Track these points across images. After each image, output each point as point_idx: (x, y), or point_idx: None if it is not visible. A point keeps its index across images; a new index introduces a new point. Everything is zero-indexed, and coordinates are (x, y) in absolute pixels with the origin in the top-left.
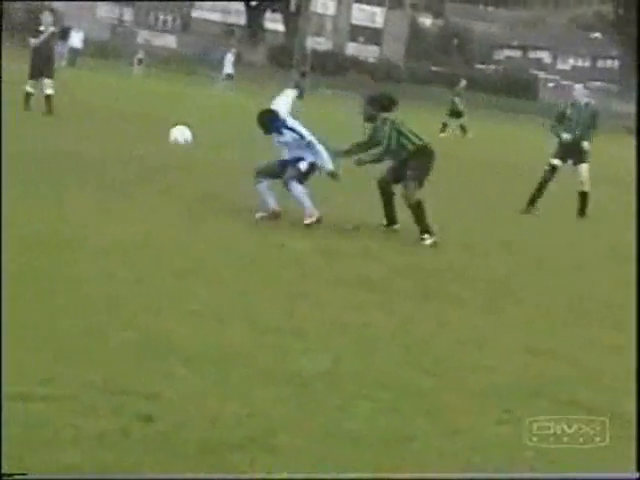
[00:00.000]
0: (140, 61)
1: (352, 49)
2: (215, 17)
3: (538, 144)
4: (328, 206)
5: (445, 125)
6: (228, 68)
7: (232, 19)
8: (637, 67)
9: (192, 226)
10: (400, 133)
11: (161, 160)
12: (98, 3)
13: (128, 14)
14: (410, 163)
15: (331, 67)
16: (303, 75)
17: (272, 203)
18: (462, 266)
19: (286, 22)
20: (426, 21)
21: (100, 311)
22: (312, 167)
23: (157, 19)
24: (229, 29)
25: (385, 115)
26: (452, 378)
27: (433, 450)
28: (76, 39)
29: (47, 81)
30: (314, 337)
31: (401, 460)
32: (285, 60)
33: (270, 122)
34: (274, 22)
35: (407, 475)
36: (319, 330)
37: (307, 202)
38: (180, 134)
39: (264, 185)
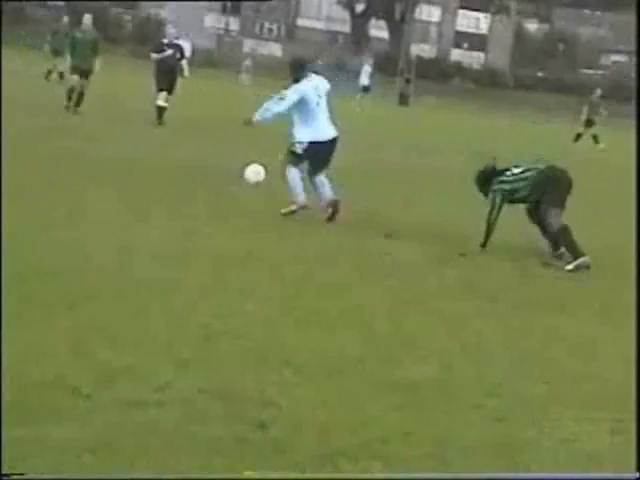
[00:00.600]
0: (247, 69)
1: (456, 55)
2: (320, 25)
3: None
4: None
5: (579, 135)
6: (364, 80)
7: (337, 27)
8: (637, 67)
9: (300, 236)
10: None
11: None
12: (206, 13)
13: (234, 23)
14: (541, 189)
15: (435, 74)
16: (407, 82)
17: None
18: (569, 276)
19: (391, 29)
20: (531, 26)
21: (215, 319)
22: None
23: (262, 28)
24: (334, 37)
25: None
26: (563, 387)
27: (544, 458)
28: (185, 48)
29: (166, 95)
30: (424, 345)
31: (512, 467)
32: (389, 67)
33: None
34: (378, 29)
35: (408, 475)
36: (429, 338)
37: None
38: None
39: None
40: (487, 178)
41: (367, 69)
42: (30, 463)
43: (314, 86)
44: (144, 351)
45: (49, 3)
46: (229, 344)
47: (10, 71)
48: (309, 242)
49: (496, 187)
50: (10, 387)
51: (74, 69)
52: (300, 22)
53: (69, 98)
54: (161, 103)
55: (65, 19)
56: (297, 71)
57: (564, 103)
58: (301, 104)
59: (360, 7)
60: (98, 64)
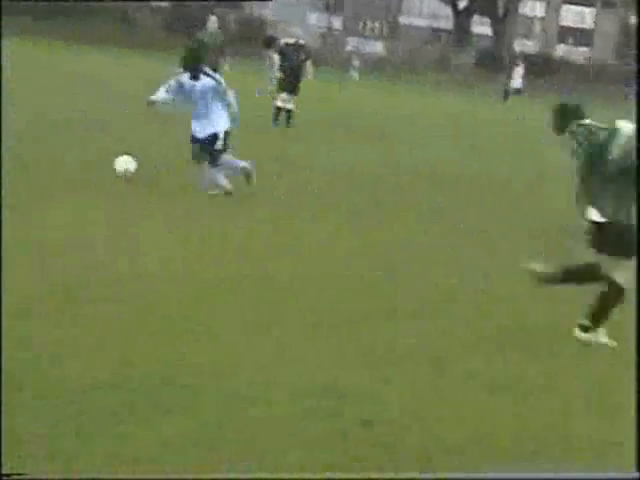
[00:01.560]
0: (355, 67)
1: (561, 51)
2: (422, 22)
3: None
4: None
5: None
6: (517, 82)
7: (439, 24)
8: (637, 64)
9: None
10: None
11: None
12: (309, 11)
13: (337, 22)
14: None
15: (540, 69)
16: (511, 77)
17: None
18: None
19: (494, 25)
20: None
21: (320, 317)
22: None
23: (365, 26)
24: (436, 34)
25: None
26: None
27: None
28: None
29: (291, 96)
30: (529, 344)
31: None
32: (493, 63)
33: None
34: (482, 25)
35: (409, 475)
36: (534, 338)
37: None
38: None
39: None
40: None
41: (519, 71)
42: (140, 458)
43: None
44: (248, 348)
45: (153, 4)
46: (334, 343)
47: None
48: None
49: None
50: (121, 387)
51: None
52: (402, 19)
53: None
54: (280, 104)
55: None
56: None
57: None
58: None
59: (463, 3)
60: (226, 67)
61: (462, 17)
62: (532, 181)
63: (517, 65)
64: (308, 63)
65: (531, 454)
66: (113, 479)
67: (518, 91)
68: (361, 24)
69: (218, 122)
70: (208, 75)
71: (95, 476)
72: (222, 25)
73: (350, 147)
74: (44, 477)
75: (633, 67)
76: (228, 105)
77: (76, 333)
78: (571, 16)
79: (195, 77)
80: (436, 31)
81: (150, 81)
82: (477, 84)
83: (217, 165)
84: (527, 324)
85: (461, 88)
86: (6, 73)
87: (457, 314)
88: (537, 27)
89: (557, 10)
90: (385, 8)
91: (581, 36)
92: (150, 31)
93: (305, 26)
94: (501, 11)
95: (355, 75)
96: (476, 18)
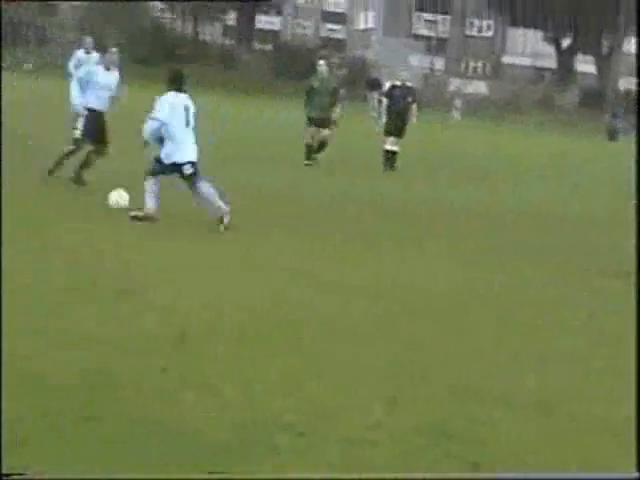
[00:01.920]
0: (457, 107)
1: None
2: (525, 62)
3: None
4: None
5: None
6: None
7: (543, 63)
8: (637, 70)
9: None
10: None
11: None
12: (410, 53)
13: (439, 63)
14: None
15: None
16: (615, 116)
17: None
18: None
19: (598, 63)
20: None
21: (416, 356)
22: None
23: (467, 66)
24: (539, 73)
25: None
26: None
27: None
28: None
29: (397, 139)
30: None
31: None
32: (597, 102)
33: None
34: (585, 64)
35: (409, 475)
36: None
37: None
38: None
39: None
40: None
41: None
42: None
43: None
44: (355, 389)
45: (257, 47)
46: (438, 381)
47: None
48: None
49: None
50: (231, 426)
51: (311, 121)
52: (505, 59)
53: (307, 156)
54: (389, 147)
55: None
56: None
57: None
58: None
59: (566, 42)
60: (337, 112)
61: (565, 56)
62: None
63: None
64: (414, 106)
65: None
66: (113, 479)
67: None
68: (463, 65)
69: None
70: None
71: (95, 476)
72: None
73: (454, 187)
74: (44, 477)
75: None
76: None
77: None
78: None
79: None
80: (539, 70)
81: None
82: (581, 123)
83: None
84: None
85: (565, 128)
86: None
87: (561, 356)
88: None
89: None
90: (488, 48)
91: None
92: (256, 75)
93: (408, 68)
94: (605, 49)
95: (457, 116)
96: (580, 56)
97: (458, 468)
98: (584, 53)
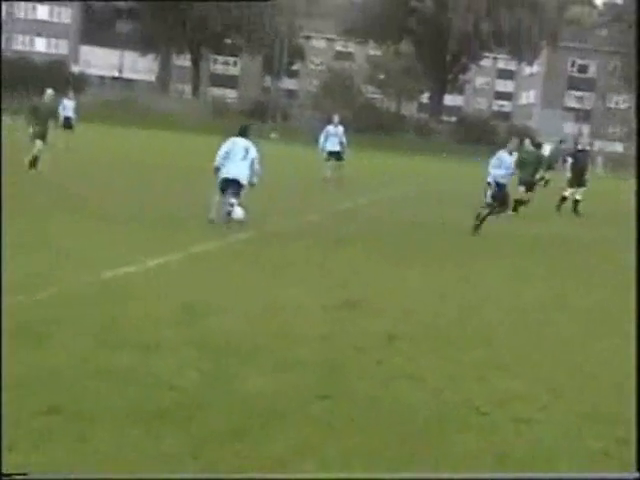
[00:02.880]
0: (599, 164)
1: None
2: None
3: None
4: None
5: None
6: None
7: None
8: (637, 71)
9: None
10: None
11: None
12: (564, 121)
13: (586, 129)
14: None
15: None
16: None
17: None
18: None
19: None
20: None
21: (582, 356)
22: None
23: (607, 130)
24: None
25: None
26: None
27: None
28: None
29: (580, 189)
30: None
31: None
32: None
33: None
34: None
35: (408, 475)
36: None
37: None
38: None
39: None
40: None
41: None
42: (444, 467)
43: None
44: (528, 379)
45: (444, 119)
46: (598, 375)
47: None
48: None
49: None
50: (431, 406)
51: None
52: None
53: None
54: (568, 194)
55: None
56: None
57: None
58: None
59: None
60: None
61: None
62: None
63: None
64: (589, 166)
65: None
66: (113, 479)
67: None
68: (604, 129)
69: None
70: None
71: (95, 476)
72: (493, 133)
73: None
74: (44, 477)
75: None
76: None
77: None
78: None
79: None
80: None
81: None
82: None
83: None
84: None
85: None
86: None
87: None
88: None
89: None
90: (623, 117)
91: None
92: (443, 141)
93: (561, 133)
94: None
95: (600, 171)
96: None
97: (608, 443)
98: None
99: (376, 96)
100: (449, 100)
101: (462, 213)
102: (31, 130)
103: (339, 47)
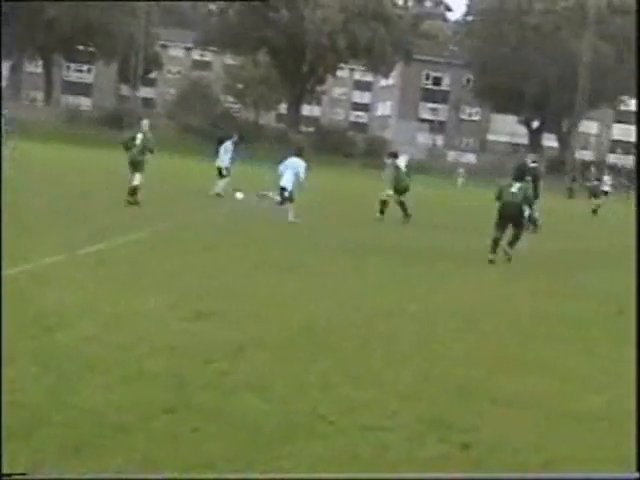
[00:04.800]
0: (461, 174)
1: (612, 159)
2: (505, 139)
3: None
4: None
5: None
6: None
7: (518, 140)
8: (637, 75)
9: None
10: None
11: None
12: (418, 132)
13: (440, 140)
14: None
15: (596, 174)
16: (574, 180)
17: None
18: None
19: (559, 140)
20: None
21: (428, 363)
22: None
23: (461, 142)
24: (515, 148)
25: None
26: None
27: None
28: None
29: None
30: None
31: None
32: (559, 169)
33: None
34: (550, 140)
35: (407, 475)
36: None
37: None
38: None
39: None
40: None
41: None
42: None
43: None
44: (376, 386)
45: (303, 129)
46: (441, 381)
47: None
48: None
49: None
50: (277, 416)
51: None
52: (489, 137)
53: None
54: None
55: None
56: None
57: None
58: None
59: (535, 124)
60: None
61: (535, 134)
62: None
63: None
64: (540, 183)
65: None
66: (113, 479)
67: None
68: (458, 141)
69: None
70: None
71: (95, 476)
72: (352, 144)
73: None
74: (44, 477)
75: None
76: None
77: None
78: (620, 132)
79: None
80: (515, 145)
81: None
82: (547, 186)
83: None
84: None
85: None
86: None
87: None
88: (593, 141)
89: (609, 127)
90: (476, 129)
91: (628, 147)
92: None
93: (415, 144)
94: (565, 129)
95: (461, 181)
96: (546, 134)
97: (450, 448)
98: (549, 132)
99: (234, 106)
100: (307, 110)
101: (316, 219)
102: None
103: (196, 56)
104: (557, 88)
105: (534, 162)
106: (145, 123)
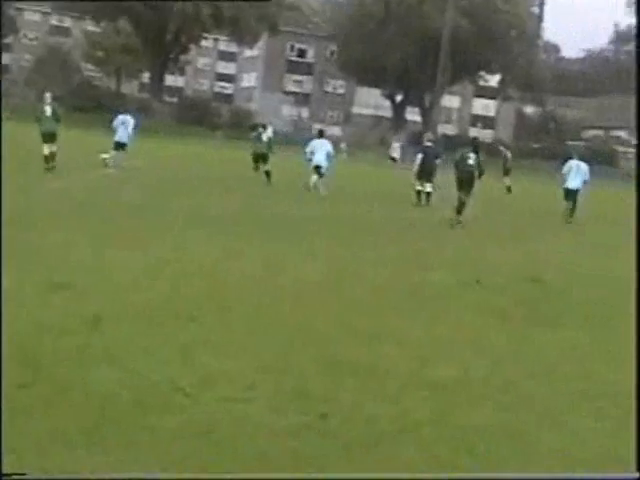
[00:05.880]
0: (343, 149)
1: (473, 132)
2: (368, 112)
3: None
4: None
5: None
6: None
7: (381, 113)
8: (636, 73)
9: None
10: None
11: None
12: (283, 105)
13: (305, 112)
14: None
15: (457, 147)
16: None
17: None
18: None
19: (422, 114)
20: (529, 109)
21: (297, 332)
22: None
23: (326, 114)
24: (379, 120)
25: None
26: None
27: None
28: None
29: (429, 183)
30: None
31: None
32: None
33: None
34: (413, 114)
35: (407, 475)
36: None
37: None
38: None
39: None
40: None
41: (396, 146)
42: (142, 448)
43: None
44: (237, 357)
45: (166, 99)
46: (303, 354)
47: None
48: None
49: None
50: (133, 389)
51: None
52: (354, 109)
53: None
54: (420, 189)
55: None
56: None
57: (554, 168)
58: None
59: (399, 97)
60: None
61: (398, 108)
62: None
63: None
64: (438, 160)
65: (449, 439)
66: (113, 479)
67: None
68: (323, 113)
69: None
70: None
71: (95, 476)
72: (217, 115)
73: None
74: (44, 477)
75: (528, 145)
76: None
77: None
78: (480, 106)
79: None
80: (379, 118)
81: None
82: (408, 159)
83: None
84: None
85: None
86: None
87: None
88: (454, 115)
89: (469, 102)
90: (341, 101)
91: (487, 122)
92: (164, 120)
93: (280, 116)
94: (427, 103)
95: (345, 155)
96: (409, 108)
97: (310, 418)
98: (412, 106)
99: (95, 74)
100: (170, 80)
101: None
102: None
103: (54, 21)
104: (419, 63)
105: (429, 141)
106: (48, 96)
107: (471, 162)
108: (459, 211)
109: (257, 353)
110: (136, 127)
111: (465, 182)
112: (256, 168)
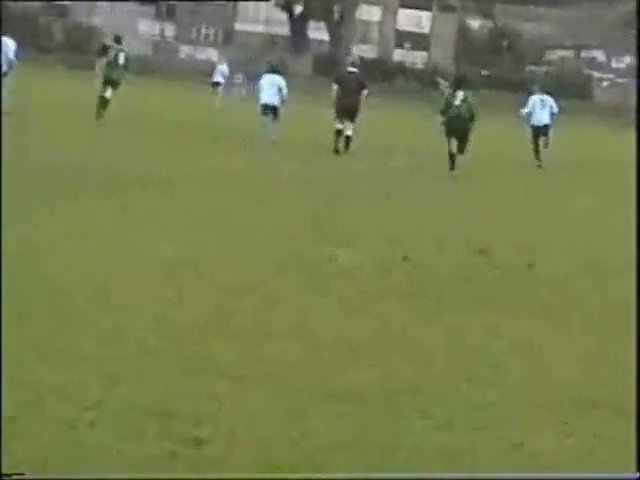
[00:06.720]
0: (239, 84)
1: (399, 55)
2: (258, 29)
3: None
4: None
5: None
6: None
7: (275, 30)
8: (637, 66)
9: None
10: None
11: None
12: (139, 18)
13: (170, 30)
14: None
15: (378, 75)
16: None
17: None
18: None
19: (330, 30)
20: (474, 23)
21: (147, 331)
22: None
23: (199, 33)
24: (272, 40)
25: None
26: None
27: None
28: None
29: (349, 124)
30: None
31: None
32: (331, 69)
33: None
34: (318, 31)
35: (405, 475)
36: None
37: None
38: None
39: None
40: None
41: (222, 68)
42: None
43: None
44: (75, 368)
45: None
46: (161, 355)
47: None
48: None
49: None
50: None
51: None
52: (238, 26)
53: None
54: (340, 127)
55: None
56: None
57: (510, 101)
58: None
59: (299, 9)
60: None
61: (298, 23)
62: None
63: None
64: (365, 92)
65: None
66: (113, 479)
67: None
68: (194, 31)
69: None
70: None
71: (95, 476)
72: (49, 34)
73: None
74: (44, 477)
75: (473, 71)
76: None
77: None
78: (408, 20)
79: None
80: (272, 37)
81: None
82: (316, 90)
83: None
84: None
85: (299, 94)
86: None
87: None
88: (374, 32)
89: (394, 14)
90: (220, 15)
91: (418, 40)
92: None
93: (135, 34)
94: (337, 16)
95: (243, 92)
96: (313, 23)
97: (178, 445)
98: (316, 20)
99: None
100: None
101: None
102: None
103: None
104: None
105: (353, 65)
106: None
107: (457, 102)
108: (452, 167)
109: (102, 360)
110: None
111: (454, 131)
112: (101, 104)
